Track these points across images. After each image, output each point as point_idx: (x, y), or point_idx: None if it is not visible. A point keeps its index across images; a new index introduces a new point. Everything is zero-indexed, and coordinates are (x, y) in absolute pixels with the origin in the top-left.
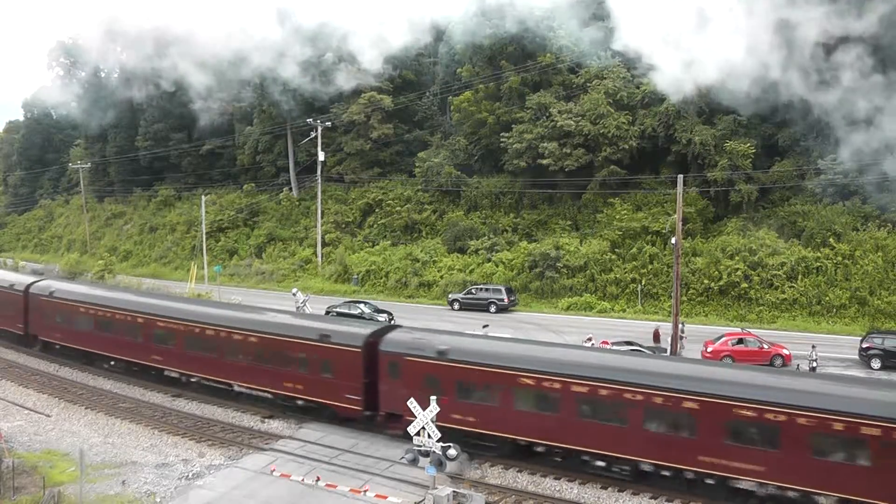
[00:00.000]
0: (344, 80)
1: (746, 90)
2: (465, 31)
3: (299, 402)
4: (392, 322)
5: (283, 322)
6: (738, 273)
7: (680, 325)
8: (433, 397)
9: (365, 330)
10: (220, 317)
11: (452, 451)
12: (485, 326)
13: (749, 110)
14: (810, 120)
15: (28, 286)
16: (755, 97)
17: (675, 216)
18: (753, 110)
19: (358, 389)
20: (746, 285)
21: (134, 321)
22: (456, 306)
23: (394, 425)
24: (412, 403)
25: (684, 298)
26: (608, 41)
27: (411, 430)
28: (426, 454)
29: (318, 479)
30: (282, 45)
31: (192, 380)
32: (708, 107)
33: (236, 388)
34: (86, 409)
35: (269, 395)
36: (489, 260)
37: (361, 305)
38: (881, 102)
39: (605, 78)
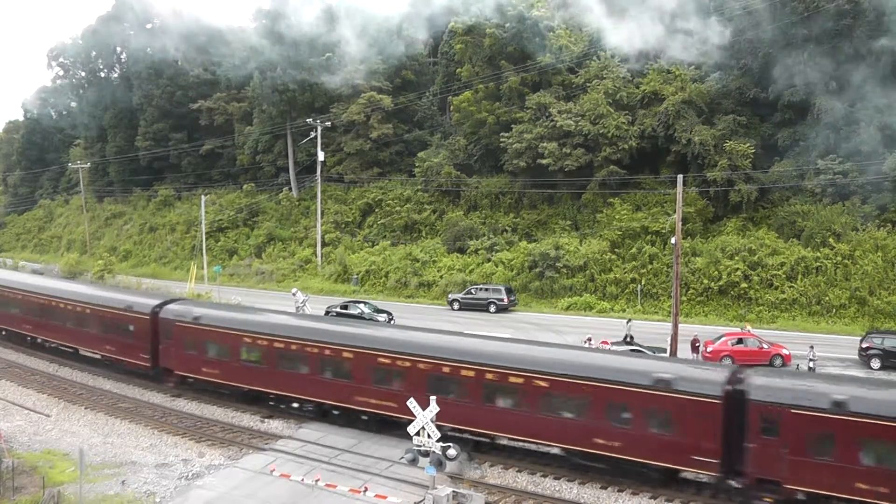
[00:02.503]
0: (342, 81)
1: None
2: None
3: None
4: (392, 322)
5: None
6: (738, 273)
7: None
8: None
9: None
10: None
11: (452, 451)
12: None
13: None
14: (810, 119)
15: None
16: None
17: (675, 216)
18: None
19: None
20: (746, 285)
21: None
22: (455, 306)
23: None
24: (412, 403)
25: (684, 298)
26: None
27: (411, 429)
28: (426, 454)
29: (318, 479)
30: (279, 44)
31: None
32: (707, 106)
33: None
34: (86, 409)
35: None
36: (489, 260)
37: (361, 305)
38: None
39: (605, 78)
